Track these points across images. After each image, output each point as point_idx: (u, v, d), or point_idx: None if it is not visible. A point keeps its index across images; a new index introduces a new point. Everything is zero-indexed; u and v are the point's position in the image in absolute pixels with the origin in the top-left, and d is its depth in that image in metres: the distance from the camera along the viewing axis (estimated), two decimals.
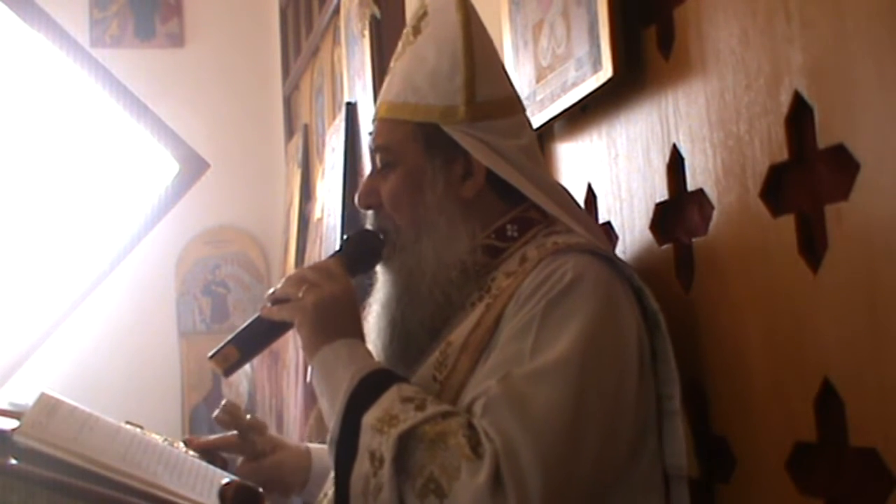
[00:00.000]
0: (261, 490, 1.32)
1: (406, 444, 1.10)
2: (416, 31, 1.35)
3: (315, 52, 4.04)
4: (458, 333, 1.23)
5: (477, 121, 1.29)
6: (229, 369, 1.32)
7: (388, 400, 1.15)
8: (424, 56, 1.32)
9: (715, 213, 1.25)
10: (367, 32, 2.97)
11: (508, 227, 1.31)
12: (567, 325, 1.14)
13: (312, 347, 1.24)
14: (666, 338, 1.22)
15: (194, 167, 5.12)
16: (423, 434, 1.10)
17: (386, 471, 1.09)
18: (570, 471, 1.09)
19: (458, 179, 1.30)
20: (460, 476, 1.06)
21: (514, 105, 1.36)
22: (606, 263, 1.22)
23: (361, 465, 1.12)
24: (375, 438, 1.12)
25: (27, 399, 1.29)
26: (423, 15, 1.36)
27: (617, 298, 1.19)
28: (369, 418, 1.14)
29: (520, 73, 1.78)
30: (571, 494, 1.09)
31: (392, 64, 1.39)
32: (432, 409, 1.13)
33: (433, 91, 1.30)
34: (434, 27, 1.33)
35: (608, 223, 1.55)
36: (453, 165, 1.30)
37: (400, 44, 1.39)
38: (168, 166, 5.14)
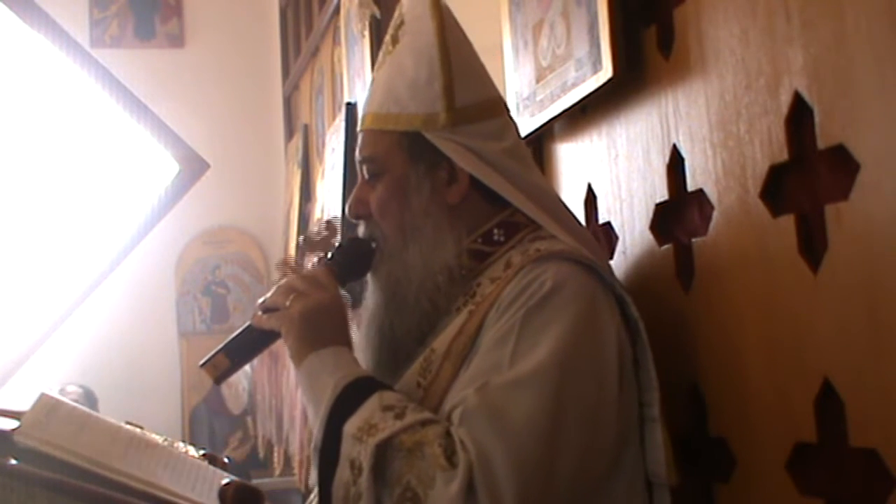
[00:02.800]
0: (261, 490, 1.32)
1: (384, 452, 1.11)
2: (395, 40, 1.36)
3: (315, 52, 4.04)
4: (442, 340, 1.23)
5: (458, 126, 1.30)
6: (220, 377, 1.32)
7: (369, 408, 1.15)
8: (403, 65, 1.33)
9: (715, 214, 1.25)
10: (366, 32, 2.97)
11: (495, 231, 1.31)
12: (546, 334, 1.14)
13: (298, 356, 1.25)
14: (646, 346, 1.22)
15: (194, 167, 5.12)
16: (400, 443, 1.11)
17: (364, 479, 1.10)
18: (546, 479, 1.08)
19: (443, 185, 1.30)
20: (435, 485, 1.07)
21: (496, 107, 1.36)
22: (588, 271, 1.21)
23: (342, 473, 1.13)
24: (355, 447, 1.12)
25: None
26: (400, 24, 1.37)
27: (597, 306, 1.19)
28: (350, 427, 1.14)
29: (520, 73, 1.78)
30: (548, 502, 1.09)
31: (374, 73, 1.40)
32: (411, 417, 1.13)
33: (414, 100, 1.31)
34: (411, 36, 1.34)
35: (608, 223, 1.55)
36: (437, 171, 1.30)
37: (380, 53, 1.39)
38: (168, 166, 5.14)
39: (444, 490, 1.06)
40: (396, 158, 1.31)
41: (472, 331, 1.20)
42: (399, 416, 1.13)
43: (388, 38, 1.38)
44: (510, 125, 1.38)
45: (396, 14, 1.39)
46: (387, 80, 1.35)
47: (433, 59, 1.30)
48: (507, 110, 1.39)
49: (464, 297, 1.27)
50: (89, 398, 4.41)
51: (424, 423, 1.12)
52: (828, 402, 1.06)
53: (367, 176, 1.35)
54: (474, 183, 1.30)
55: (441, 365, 1.21)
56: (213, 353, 1.32)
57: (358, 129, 1.40)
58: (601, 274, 1.23)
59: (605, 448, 1.15)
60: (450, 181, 1.30)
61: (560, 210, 1.36)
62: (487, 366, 1.15)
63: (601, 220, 1.57)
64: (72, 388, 4.42)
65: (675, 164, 1.35)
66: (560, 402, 1.10)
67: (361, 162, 1.36)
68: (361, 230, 1.37)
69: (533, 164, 1.40)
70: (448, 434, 1.10)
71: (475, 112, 1.32)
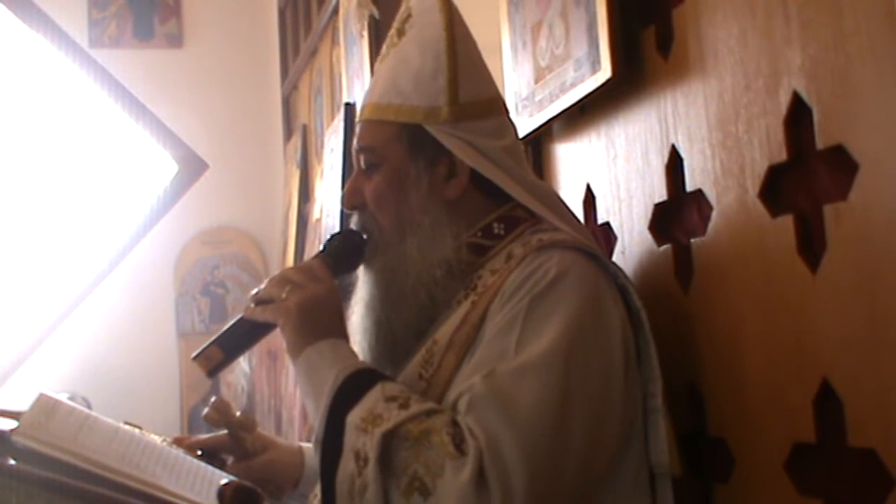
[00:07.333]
0: (259, 490, 1.32)
1: (390, 442, 1.10)
2: (401, 33, 1.36)
3: (314, 52, 4.04)
4: (444, 331, 1.23)
5: (460, 121, 1.30)
6: (213, 370, 1.32)
7: (372, 399, 1.15)
8: (408, 57, 1.33)
9: (714, 214, 1.25)
10: (365, 33, 2.97)
11: (495, 224, 1.31)
12: (551, 321, 1.14)
13: (297, 348, 1.24)
14: (649, 336, 1.22)
15: (193, 167, 5.12)
16: (406, 433, 1.10)
17: (370, 470, 1.10)
18: (555, 467, 1.09)
19: (442, 180, 1.30)
20: (444, 474, 1.07)
21: (497, 106, 1.37)
22: (591, 260, 1.22)
23: (346, 465, 1.13)
24: (360, 438, 1.12)
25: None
26: (407, 17, 1.37)
27: (601, 294, 1.19)
28: (353, 417, 1.14)
29: (518, 73, 1.78)
30: (557, 491, 1.09)
31: (377, 66, 1.40)
32: (416, 407, 1.13)
33: (417, 92, 1.30)
34: (418, 29, 1.34)
35: (607, 224, 1.55)
36: (437, 166, 1.30)
37: (384, 46, 1.39)
38: (167, 167, 5.13)
39: (453, 478, 1.06)
40: (395, 150, 1.31)
41: (475, 321, 1.20)
42: (403, 406, 1.13)
43: (393, 31, 1.38)
44: (509, 125, 1.38)
45: (403, 7, 1.39)
46: (390, 72, 1.34)
47: (440, 51, 1.30)
48: (507, 110, 1.39)
49: (464, 290, 1.26)
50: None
51: (430, 413, 1.12)
52: (827, 402, 1.06)
53: (363, 166, 1.34)
54: (473, 178, 1.30)
55: (444, 356, 1.21)
56: (205, 345, 1.32)
57: (357, 119, 1.39)
58: (604, 263, 1.23)
59: (612, 435, 1.15)
60: (448, 176, 1.30)
61: (561, 207, 1.36)
62: (493, 354, 1.15)
63: (600, 221, 1.57)
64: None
65: (674, 165, 1.35)
66: (567, 388, 1.11)
67: (359, 151, 1.35)
68: (354, 221, 1.36)
69: (528, 167, 1.40)
70: (455, 423, 1.10)
71: (477, 109, 1.32)
